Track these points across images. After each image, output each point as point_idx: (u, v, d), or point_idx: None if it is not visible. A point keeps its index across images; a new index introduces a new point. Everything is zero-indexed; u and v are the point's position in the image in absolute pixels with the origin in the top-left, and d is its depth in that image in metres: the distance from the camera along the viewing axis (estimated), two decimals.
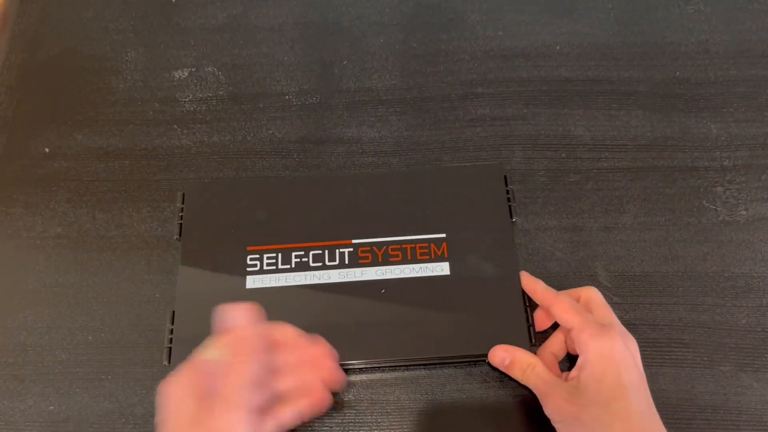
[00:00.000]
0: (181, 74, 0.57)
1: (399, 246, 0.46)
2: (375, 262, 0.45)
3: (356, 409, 0.44)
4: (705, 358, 0.45)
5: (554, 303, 0.42)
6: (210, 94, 0.56)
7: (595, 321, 0.40)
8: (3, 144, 0.54)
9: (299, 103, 0.55)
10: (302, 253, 0.46)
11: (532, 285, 0.44)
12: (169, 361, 0.43)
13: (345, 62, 0.57)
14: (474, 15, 0.59)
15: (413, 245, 0.46)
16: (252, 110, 0.55)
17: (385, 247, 0.46)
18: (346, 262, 0.45)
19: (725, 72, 0.55)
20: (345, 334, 0.43)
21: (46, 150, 0.54)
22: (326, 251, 0.46)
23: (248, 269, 0.45)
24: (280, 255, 0.46)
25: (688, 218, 0.49)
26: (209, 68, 0.57)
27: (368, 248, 0.46)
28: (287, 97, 0.56)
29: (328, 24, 0.59)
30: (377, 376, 0.45)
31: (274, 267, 0.45)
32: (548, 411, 0.39)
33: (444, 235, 0.46)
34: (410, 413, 0.44)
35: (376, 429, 0.44)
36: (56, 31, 0.59)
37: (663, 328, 0.46)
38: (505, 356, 0.42)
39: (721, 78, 0.55)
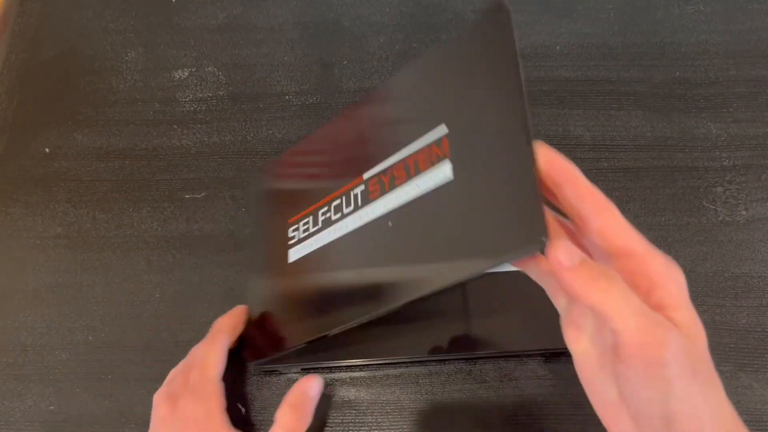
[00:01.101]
0: (181, 74, 0.57)
1: (403, 163, 0.36)
2: (383, 192, 0.37)
3: (356, 409, 0.44)
4: None
5: (604, 212, 0.27)
6: (210, 94, 0.56)
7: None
8: (3, 144, 0.54)
9: (299, 103, 0.55)
10: (326, 208, 0.42)
11: (565, 170, 0.28)
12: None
13: (345, 62, 0.57)
14: (474, 15, 0.59)
15: (415, 157, 0.35)
16: (252, 110, 0.55)
17: (390, 171, 0.37)
18: (359, 203, 0.39)
19: (725, 72, 0.55)
20: (357, 289, 0.38)
21: (46, 150, 0.54)
22: (343, 198, 0.41)
23: (290, 242, 0.44)
24: (311, 218, 0.43)
25: (688, 218, 0.49)
26: (209, 68, 0.57)
27: (376, 179, 0.38)
28: (287, 97, 0.56)
29: (328, 24, 0.59)
30: (378, 373, 0.45)
31: (308, 233, 0.43)
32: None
33: (446, 132, 0.34)
34: (410, 413, 0.44)
35: (376, 429, 0.44)
36: (56, 31, 0.59)
37: None
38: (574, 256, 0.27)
39: (721, 78, 0.55)
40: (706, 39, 0.57)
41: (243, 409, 0.44)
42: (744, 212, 0.50)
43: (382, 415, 0.44)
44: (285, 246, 0.43)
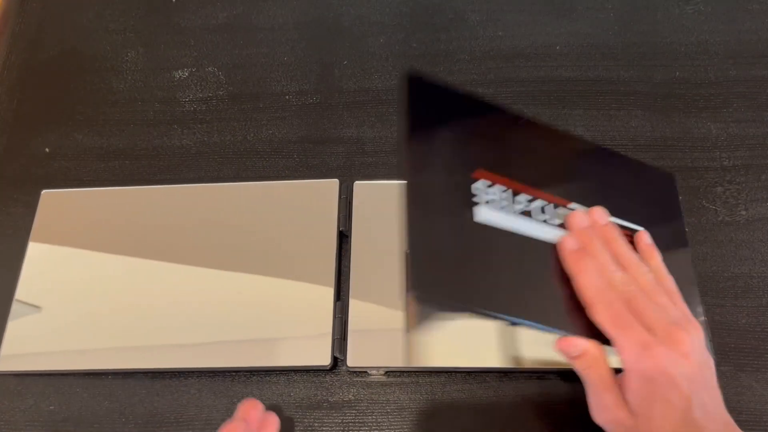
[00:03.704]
0: (181, 74, 0.57)
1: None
2: None
3: (356, 409, 0.44)
4: None
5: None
6: (210, 94, 0.56)
7: (636, 330, 0.35)
8: (3, 144, 0.54)
9: (299, 103, 0.55)
10: (531, 198, 0.42)
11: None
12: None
13: (345, 62, 0.57)
14: (474, 15, 0.59)
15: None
16: (252, 110, 0.55)
17: None
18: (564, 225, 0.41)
19: (725, 72, 0.55)
20: (547, 297, 0.39)
21: (46, 150, 0.54)
22: (546, 206, 0.42)
23: (474, 198, 0.40)
24: (509, 193, 0.41)
25: (688, 218, 0.49)
26: (209, 68, 0.57)
27: None
28: (287, 97, 0.56)
29: (328, 24, 0.59)
30: (376, 377, 0.45)
31: (501, 205, 0.41)
32: (594, 412, 0.37)
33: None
34: (410, 413, 0.44)
35: (376, 429, 0.44)
36: (56, 31, 0.60)
37: None
38: (578, 347, 0.37)
39: (721, 78, 0.55)
40: (706, 39, 0.57)
41: None
42: (744, 212, 0.50)
43: (382, 415, 0.44)
44: (468, 199, 0.40)
